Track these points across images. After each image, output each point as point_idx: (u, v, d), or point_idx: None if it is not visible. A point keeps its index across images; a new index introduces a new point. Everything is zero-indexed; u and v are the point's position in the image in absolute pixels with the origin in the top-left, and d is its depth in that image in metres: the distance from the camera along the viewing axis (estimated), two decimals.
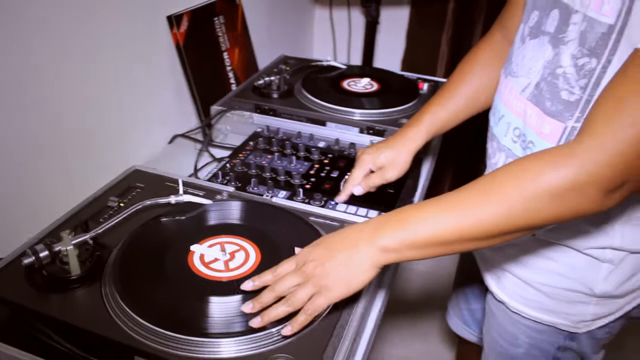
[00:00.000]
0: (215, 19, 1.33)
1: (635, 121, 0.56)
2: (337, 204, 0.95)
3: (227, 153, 1.15)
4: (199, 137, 1.26)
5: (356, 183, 0.96)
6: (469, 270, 1.15)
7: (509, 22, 0.92)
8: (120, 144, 1.12)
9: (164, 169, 1.00)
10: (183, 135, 1.26)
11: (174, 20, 1.17)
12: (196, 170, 1.12)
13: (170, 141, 1.26)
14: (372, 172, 0.97)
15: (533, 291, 0.84)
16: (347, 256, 0.67)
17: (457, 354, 1.47)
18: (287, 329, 0.65)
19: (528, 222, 0.62)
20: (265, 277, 0.70)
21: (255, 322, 0.66)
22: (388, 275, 0.91)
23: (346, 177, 1.02)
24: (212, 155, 1.17)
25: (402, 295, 2.08)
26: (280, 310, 0.66)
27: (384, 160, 0.96)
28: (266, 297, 0.67)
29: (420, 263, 2.15)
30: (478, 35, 1.89)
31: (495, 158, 0.84)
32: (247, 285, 0.70)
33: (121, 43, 1.05)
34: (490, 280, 0.92)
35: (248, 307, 0.68)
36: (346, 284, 0.67)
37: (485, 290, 1.11)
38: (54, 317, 0.67)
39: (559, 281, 0.82)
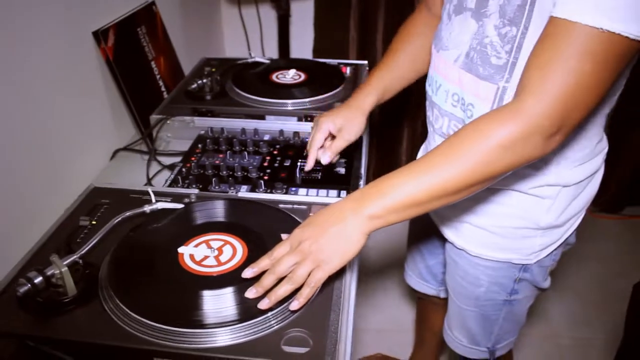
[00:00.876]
0: (138, 29, 1.33)
1: (560, 80, 0.68)
2: (296, 189, 1.01)
3: (172, 160, 1.17)
4: (141, 148, 1.26)
5: (318, 145, 1.03)
6: (421, 232, 1.26)
7: (430, 1, 1.04)
8: (62, 167, 1.09)
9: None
10: (125, 149, 1.26)
11: (100, 36, 1.16)
12: (149, 179, 1.13)
13: (112, 156, 1.26)
14: (332, 135, 1.05)
15: (488, 234, 0.96)
16: (338, 229, 0.74)
17: (418, 309, 1.59)
18: (295, 304, 0.71)
19: (488, 173, 0.72)
20: (263, 263, 0.75)
21: (263, 304, 0.71)
22: None
23: (300, 163, 1.09)
24: (160, 164, 1.18)
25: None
26: (284, 289, 0.72)
27: (342, 121, 1.03)
28: (268, 280, 0.73)
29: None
30: (383, 16, 1.99)
31: (439, 123, 0.94)
32: (247, 273, 0.75)
33: (49, 65, 1.03)
34: (449, 233, 1.03)
35: (252, 293, 0.73)
36: (341, 254, 0.74)
37: (440, 246, 1.22)
38: (70, 340, 0.68)
39: (509, 222, 0.94)
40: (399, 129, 2.28)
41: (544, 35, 0.70)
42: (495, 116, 0.73)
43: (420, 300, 1.52)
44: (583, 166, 0.90)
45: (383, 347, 1.83)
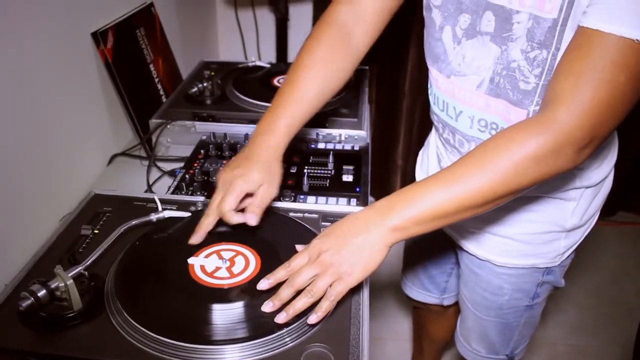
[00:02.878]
0: (137, 31, 1.29)
1: (593, 91, 0.65)
2: (305, 196, 0.98)
3: (173, 166, 1.13)
4: (139, 153, 1.22)
5: (231, 208, 0.81)
6: (423, 244, 1.24)
7: None
8: (58, 172, 1.05)
9: None
10: (124, 154, 1.22)
11: (99, 37, 1.12)
12: (149, 186, 1.09)
13: (109, 162, 1.22)
14: (247, 194, 0.84)
15: (513, 243, 0.94)
16: (361, 240, 0.71)
17: (415, 318, 1.55)
18: (313, 317, 0.68)
19: (519, 184, 0.70)
20: (280, 274, 0.72)
21: (280, 318, 0.68)
22: None
23: (306, 170, 1.06)
24: (160, 170, 1.14)
25: None
26: (302, 303, 0.68)
27: (260, 176, 0.84)
28: (285, 293, 0.70)
29: None
30: None
31: (465, 148, 0.91)
32: (262, 285, 0.72)
33: (47, 66, 0.99)
34: (470, 246, 1.00)
35: (269, 307, 0.69)
36: (364, 266, 0.71)
37: (446, 257, 1.20)
38: (76, 357, 0.65)
39: (536, 228, 0.92)
40: (394, 132, 2.25)
41: (575, 46, 0.68)
42: (526, 127, 0.70)
43: (416, 310, 1.49)
44: (602, 166, 0.90)
45: (381, 355, 1.81)
